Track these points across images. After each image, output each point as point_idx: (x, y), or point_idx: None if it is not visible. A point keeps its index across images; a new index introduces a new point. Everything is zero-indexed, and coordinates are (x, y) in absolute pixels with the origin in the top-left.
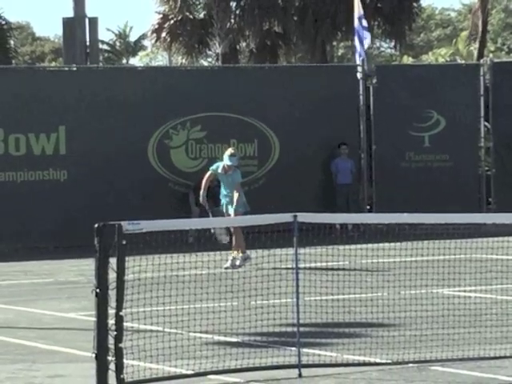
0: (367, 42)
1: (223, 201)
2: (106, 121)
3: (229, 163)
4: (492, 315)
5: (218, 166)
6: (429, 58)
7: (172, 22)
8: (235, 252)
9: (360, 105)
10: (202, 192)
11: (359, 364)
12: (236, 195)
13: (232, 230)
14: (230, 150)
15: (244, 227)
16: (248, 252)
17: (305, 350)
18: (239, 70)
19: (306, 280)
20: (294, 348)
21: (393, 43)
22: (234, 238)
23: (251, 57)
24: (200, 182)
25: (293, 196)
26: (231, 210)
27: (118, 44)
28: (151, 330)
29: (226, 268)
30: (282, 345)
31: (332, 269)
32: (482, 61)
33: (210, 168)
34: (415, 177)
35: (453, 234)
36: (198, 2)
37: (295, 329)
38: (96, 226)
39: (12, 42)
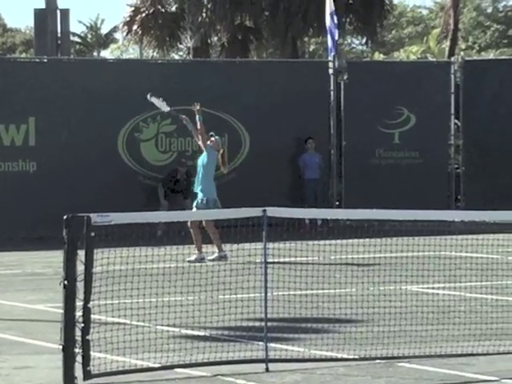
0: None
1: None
2: (76, 113)
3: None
4: (460, 312)
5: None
6: (400, 55)
7: (144, 14)
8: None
9: (330, 100)
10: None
11: (326, 359)
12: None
13: (204, 225)
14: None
15: (214, 221)
16: (226, 252)
17: (272, 344)
18: (210, 63)
19: (274, 275)
20: (261, 342)
21: (364, 40)
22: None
23: (222, 51)
24: (169, 175)
25: (263, 190)
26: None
27: (89, 36)
28: (118, 323)
29: (212, 260)
30: (249, 339)
31: (301, 264)
32: (452, 59)
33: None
34: (385, 173)
35: (422, 231)
36: None
37: (263, 323)
38: (65, 217)
39: None
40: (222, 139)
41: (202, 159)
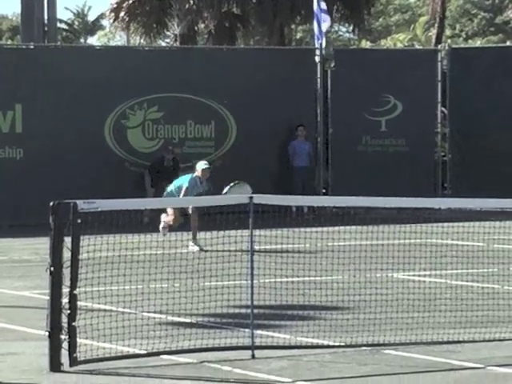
0: (326, 25)
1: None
2: (62, 100)
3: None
4: (446, 300)
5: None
6: (387, 43)
7: (130, 1)
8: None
9: (317, 88)
10: None
11: (312, 346)
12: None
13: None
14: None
15: (200, 208)
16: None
17: (258, 331)
18: (197, 51)
19: (260, 262)
20: (247, 329)
21: (351, 27)
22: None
23: (209, 38)
24: (155, 162)
25: (249, 178)
26: None
27: (76, 23)
28: (105, 310)
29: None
30: (235, 326)
31: (287, 251)
32: (439, 46)
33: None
34: (371, 161)
35: (408, 219)
36: None
37: (249, 310)
38: (51, 204)
39: None
40: None
41: (179, 184)
